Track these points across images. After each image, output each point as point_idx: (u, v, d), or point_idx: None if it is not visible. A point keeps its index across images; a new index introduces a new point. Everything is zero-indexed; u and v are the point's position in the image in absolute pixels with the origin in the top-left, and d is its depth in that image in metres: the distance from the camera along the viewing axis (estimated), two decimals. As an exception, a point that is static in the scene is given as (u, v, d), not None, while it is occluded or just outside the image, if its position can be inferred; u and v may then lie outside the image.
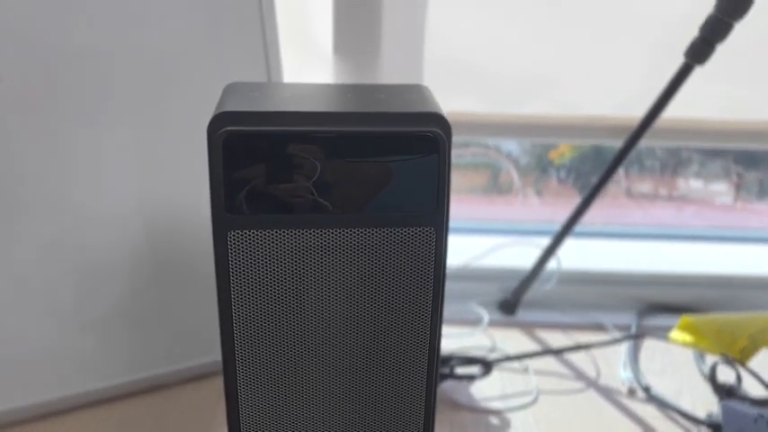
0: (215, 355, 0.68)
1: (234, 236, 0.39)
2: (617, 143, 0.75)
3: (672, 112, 0.68)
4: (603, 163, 1.01)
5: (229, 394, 0.43)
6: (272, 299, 0.40)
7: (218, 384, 0.68)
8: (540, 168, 1.01)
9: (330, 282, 0.41)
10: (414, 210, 0.40)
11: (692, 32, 0.65)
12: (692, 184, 1.01)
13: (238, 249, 0.39)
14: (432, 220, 0.40)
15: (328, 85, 0.45)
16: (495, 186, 1.01)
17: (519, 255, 0.84)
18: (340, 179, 0.39)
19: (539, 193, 1.01)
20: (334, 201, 0.39)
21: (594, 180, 0.74)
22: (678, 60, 0.66)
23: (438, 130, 0.39)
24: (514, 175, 0.99)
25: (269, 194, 0.38)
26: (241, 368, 0.42)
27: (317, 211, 0.39)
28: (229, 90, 0.43)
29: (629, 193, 1.01)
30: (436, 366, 0.44)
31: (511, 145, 0.98)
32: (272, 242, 0.39)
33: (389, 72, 0.72)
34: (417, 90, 0.44)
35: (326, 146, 0.38)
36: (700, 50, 0.63)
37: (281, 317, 0.41)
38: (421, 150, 0.39)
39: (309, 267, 0.40)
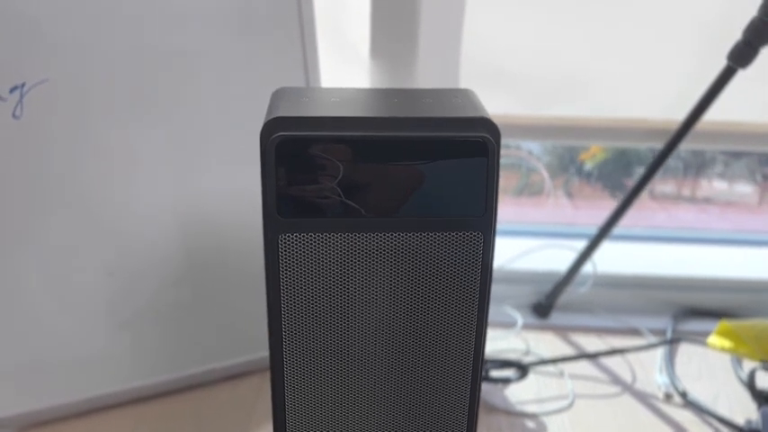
0: (251, 353, 0.69)
1: (285, 239, 0.39)
2: (655, 145, 0.74)
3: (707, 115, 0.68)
4: (627, 164, 1.01)
5: (276, 391, 0.43)
6: (322, 301, 0.41)
7: (254, 383, 0.69)
8: (561, 167, 1.00)
9: (378, 285, 0.41)
10: (462, 214, 0.40)
11: (732, 35, 0.64)
12: (715, 185, 1.00)
13: (289, 252, 0.39)
14: (480, 224, 0.40)
15: (375, 90, 0.46)
16: (526, 187, 1.00)
17: (552, 257, 0.84)
18: (391, 184, 0.39)
19: (568, 194, 1.01)
20: (384, 205, 0.39)
21: (626, 182, 0.73)
22: (718, 64, 0.65)
23: (487, 135, 0.39)
24: (545, 175, 0.99)
25: (320, 199, 0.39)
26: (288, 363, 0.42)
27: (367, 215, 0.39)
28: (278, 95, 0.43)
29: (653, 195, 1.00)
30: (480, 372, 0.44)
31: (532, 144, 0.97)
32: (323, 246, 0.39)
33: (426, 75, 0.72)
34: (464, 94, 0.44)
35: (377, 151, 0.38)
36: (743, 54, 0.63)
37: (329, 319, 0.41)
38: (470, 155, 0.39)
39: (358, 271, 0.40)
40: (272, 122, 0.38)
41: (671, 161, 0.96)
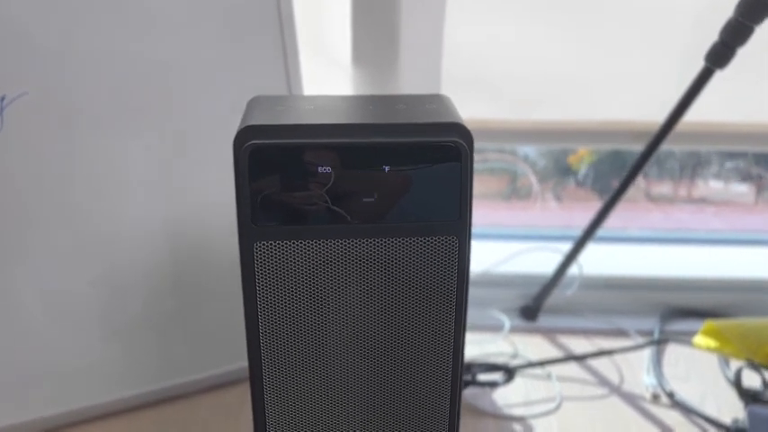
0: (237, 363, 0.69)
1: (260, 247, 0.39)
2: (636, 147, 0.74)
3: (690, 115, 0.68)
4: (621, 164, 1.01)
5: (256, 398, 0.43)
6: (300, 308, 0.41)
7: (240, 392, 0.69)
8: (556, 170, 1.00)
9: (356, 291, 0.41)
10: (437, 219, 0.40)
11: (711, 36, 0.64)
12: (711, 184, 1.00)
13: (265, 260, 0.39)
14: (455, 228, 0.41)
15: (350, 97, 0.46)
16: (514, 191, 1.01)
17: (539, 260, 0.84)
18: (364, 190, 0.39)
19: (557, 197, 1.01)
20: (358, 211, 0.39)
21: (614, 184, 0.73)
22: (697, 65, 0.66)
23: (460, 140, 0.39)
24: (533, 179, 0.99)
25: (294, 206, 0.39)
26: (267, 373, 0.43)
27: (341, 221, 0.39)
28: (253, 104, 0.43)
29: (649, 196, 1.00)
30: (460, 376, 0.45)
31: (527, 147, 0.97)
32: (299, 252, 0.39)
33: (408, 80, 0.73)
34: (438, 100, 0.45)
35: (350, 157, 0.39)
36: (720, 55, 0.63)
37: (307, 325, 0.42)
38: (444, 160, 0.39)
39: (335, 277, 0.40)
40: (245, 131, 0.38)
41: (668, 162, 0.97)
